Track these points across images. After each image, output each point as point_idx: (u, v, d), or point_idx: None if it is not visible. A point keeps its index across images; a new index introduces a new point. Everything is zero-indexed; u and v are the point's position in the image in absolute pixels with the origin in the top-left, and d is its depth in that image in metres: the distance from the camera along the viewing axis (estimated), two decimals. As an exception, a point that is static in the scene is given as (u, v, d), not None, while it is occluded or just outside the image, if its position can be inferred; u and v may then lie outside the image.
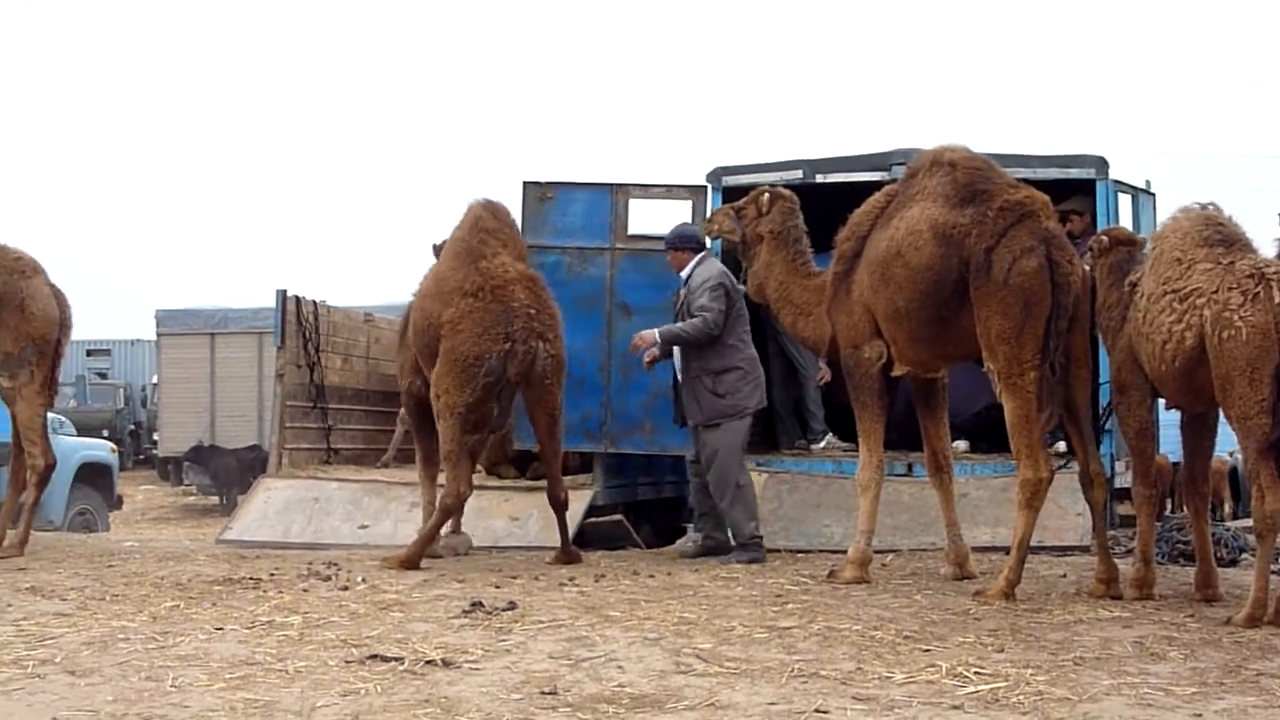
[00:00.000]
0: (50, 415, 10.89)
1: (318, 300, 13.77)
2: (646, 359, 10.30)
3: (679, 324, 10.30)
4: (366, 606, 7.90)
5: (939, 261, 8.37)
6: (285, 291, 13.18)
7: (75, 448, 16.55)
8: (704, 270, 10.36)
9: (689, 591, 8.54)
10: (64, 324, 10.39)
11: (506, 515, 11.18)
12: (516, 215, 10.59)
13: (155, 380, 33.33)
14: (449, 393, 9.55)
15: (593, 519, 11.37)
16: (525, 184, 11.66)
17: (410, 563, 9.34)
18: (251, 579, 8.86)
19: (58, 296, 10.38)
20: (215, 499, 28.18)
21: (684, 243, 10.54)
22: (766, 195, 9.82)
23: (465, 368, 9.49)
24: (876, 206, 9.00)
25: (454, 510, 9.73)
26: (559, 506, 9.94)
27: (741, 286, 10.25)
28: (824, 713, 5.58)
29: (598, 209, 11.62)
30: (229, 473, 26.98)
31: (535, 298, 9.58)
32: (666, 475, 12.73)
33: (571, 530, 10.84)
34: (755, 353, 10.48)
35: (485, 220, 9.89)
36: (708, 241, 10.70)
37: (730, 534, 10.33)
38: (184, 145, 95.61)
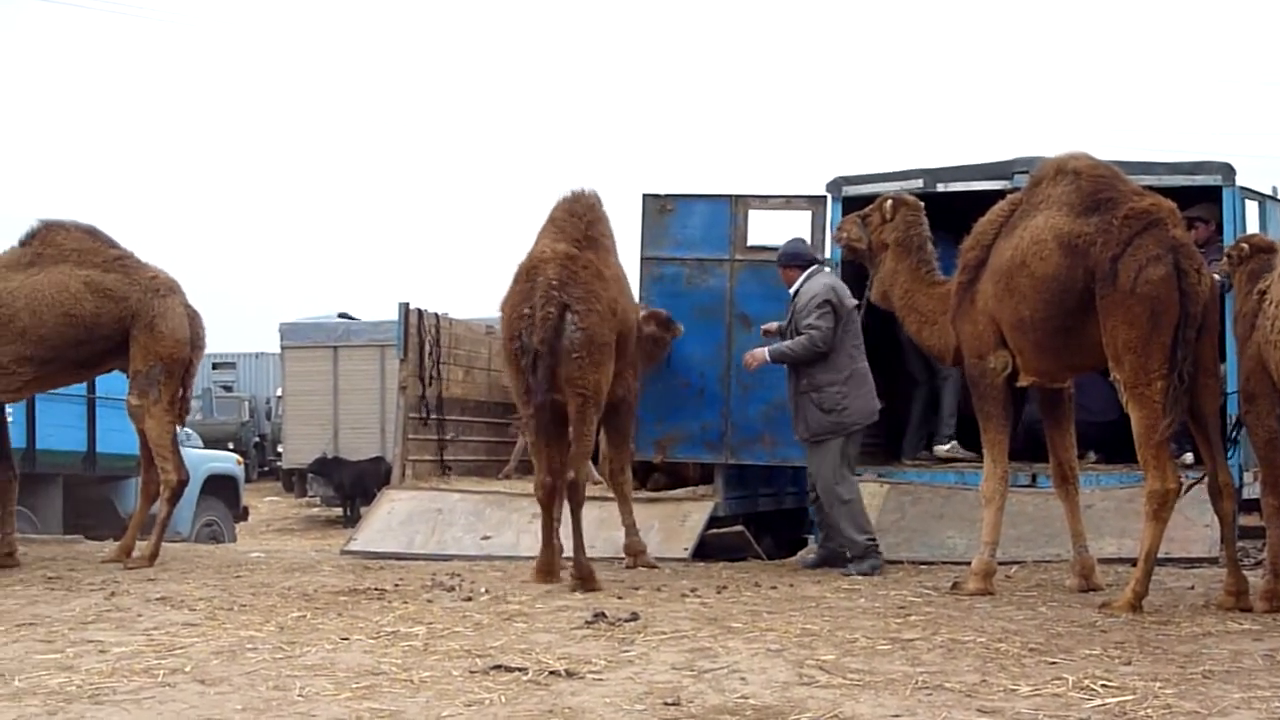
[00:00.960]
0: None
1: (440, 313, 13.87)
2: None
3: (787, 342, 10.32)
4: (490, 617, 7.94)
5: (1064, 271, 8.29)
6: (408, 305, 13.29)
7: (202, 460, 16.81)
8: (811, 286, 10.36)
9: (811, 603, 8.51)
10: (196, 344, 10.53)
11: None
12: (606, 216, 10.47)
13: (279, 393, 33.74)
14: (511, 384, 9.65)
15: (714, 530, 11.34)
16: (645, 196, 11.68)
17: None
18: (376, 589, 8.94)
19: (191, 317, 10.51)
20: (338, 510, 28.46)
21: (791, 260, 10.58)
22: (890, 202, 9.77)
23: (509, 353, 9.49)
24: (1000, 215, 8.93)
25: (545, 503, 9.57)
26: (574, 502, 9.49)
27: (851, 302, 10.27)
28: (949, 725, 5.54)
29: (717, 220, 11.61)
30: (352, 484, 27.23)
31: (565, 271, 9.34)
32: (787, 486, 12.70)
33: (693, 542, 10.84)
34: (865, 366, 10.43)
35: (554, 212, 9.90)
36: (828, 251, 10.66)
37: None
38: (308, 158, 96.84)
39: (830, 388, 10.21)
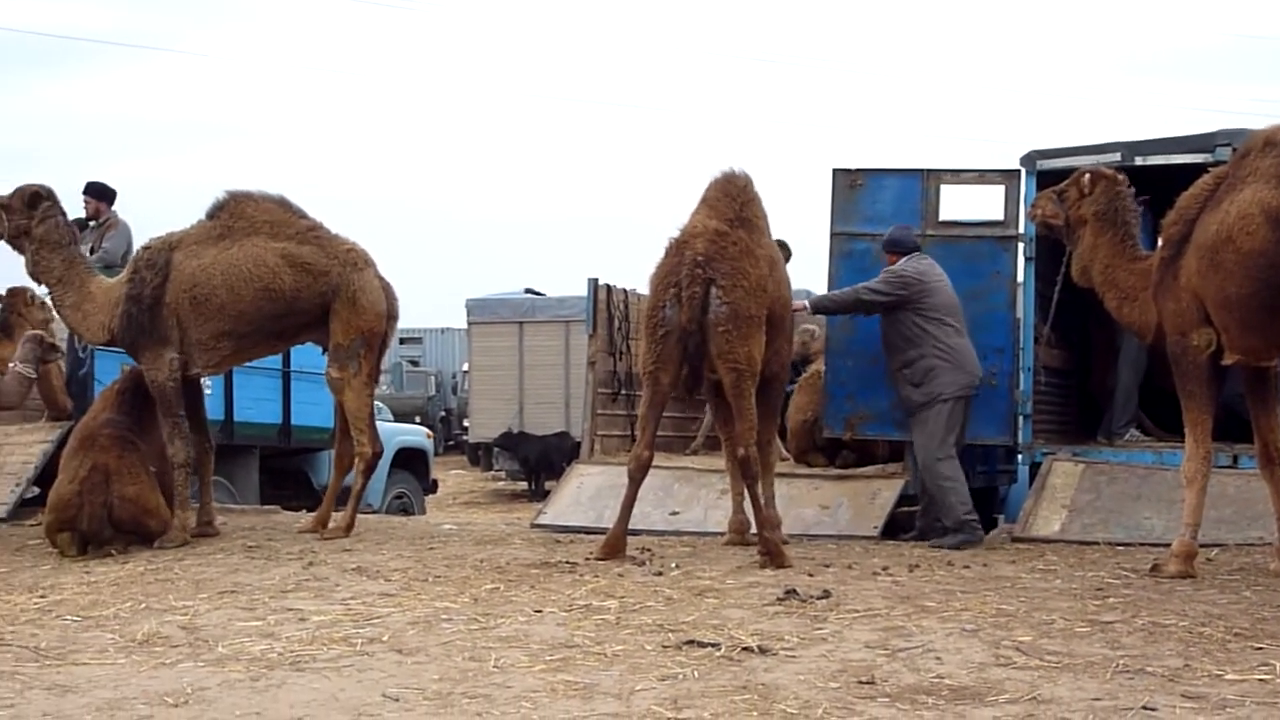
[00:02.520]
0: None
1: (628, 289, 13.90)
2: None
3: (833, 292, 10.93)
4: (681, 592, 7.95)
5: (1272, 246, 8.05)
6: (596, 280, 13.34)
7: (394, 433, 17.05)
8: (900, 265, 10.59)
9: (1006, 583, 8.38)
10: (391, 316, 10.61)
11: (816, 504, 11.11)
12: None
13: (465, 368, 34.12)
14: (643, 354, 9.65)
15: (904, 508, 11.23)
16: (835, 171, 11.57)
17: None
18: (568, 563, 9.00)
19: (386, 289, 10.57)
20: (524, 484, 28.73)
21: (894, 246, 10.76)
22: (1088, 176, 9.57)
23: (650, 325, 9.50)
24: (1205, 189, 8.68)
25: (635, 476, 9.57)
26: (746, 475, 9.46)
27: (941, 282, 10.46)
28: (1151, 710, 5.42)
29: (908, 195, 11.46)
30: (537, 459, 27.48)
31: (713, 247, 9.35)
32: (977, 465, 12.52)
33: (882, 520, 10.75)
34: (959, 342, 10.49)
35: (708, 191, 9.88)
36: (1021, 226, 10.50)
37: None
38: (497, 133, 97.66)
39: (920, 361, 10.41)
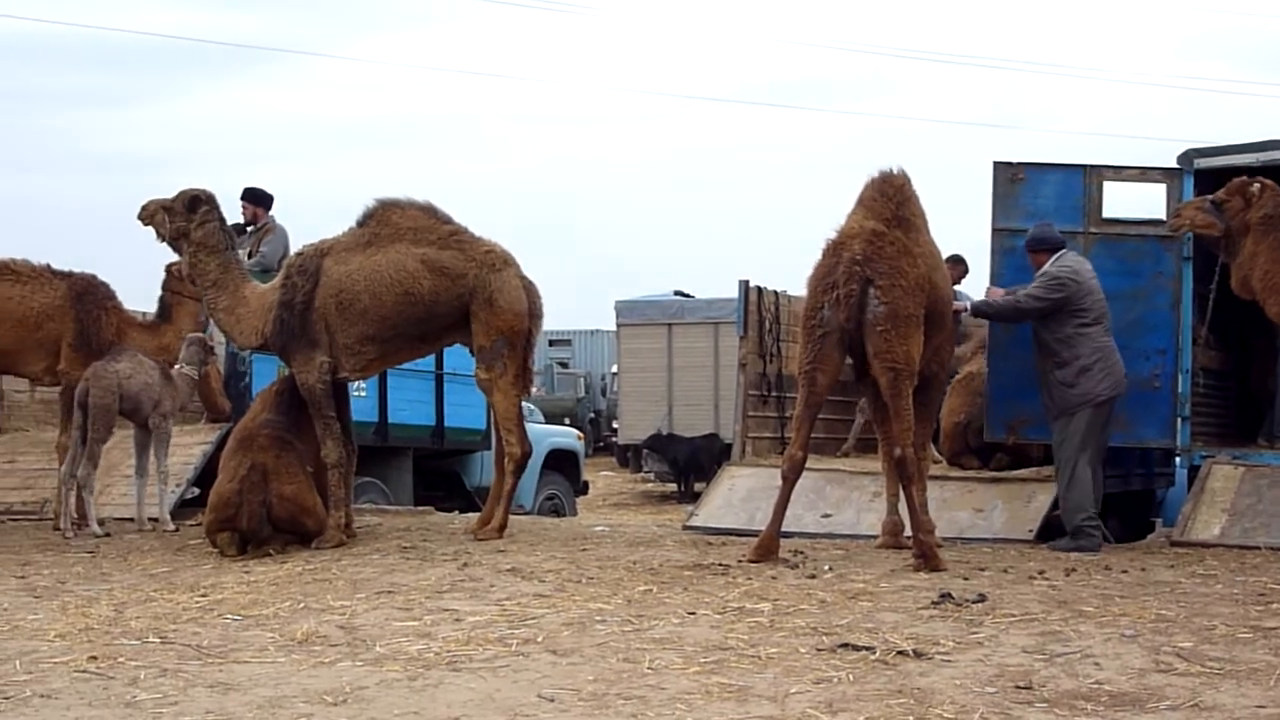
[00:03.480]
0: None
1: (779, 290, 13.87)
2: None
3: (996, 300, 10.62)
4: (835, 595, 7.91)
5: None
6: (748, 282, 13.32)
7: (545, 435, 17.14)
8: (1053, 267, 10.37)
9: (1165, 588, 8.25)
10: (534, 315, 10.68)
11: (970, 507, 11.00)
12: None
13: (615, 370, 34.24)
14: (800, 354, 9.67)
15: (1058, 512, 11.07)
16: (995, 164, 11.37)
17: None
18: (720, 565, 8.99)
19: (528, 289, 10.63)
20: (673, 486, 28.76)
21: (1039, 245, 10.58)
22: (1257, 185, 9.37)
23: (808, 326, 9.51)
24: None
25: (788, 477, 9.55)
26: (903, 476, 9.46)
27: (1093, 281, 10.22)
28: (1320, 719, 5.31)
29: (1070, 191, 11.24)
30: (686, 460, 27.48)
31: (870, 247, 9.36)
32: (1135, 468, 12.33)
33: (1037, 523, 10.62)
34: (1108, 343, 10.33)
35: (864, 192, 9.85)
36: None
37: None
38: (645, 134, 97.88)
39: (1075, 362, 10.25)
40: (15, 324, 11.82)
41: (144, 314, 12.50)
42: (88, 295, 11.90)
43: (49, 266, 12.08)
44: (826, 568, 8.89)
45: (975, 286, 13.52)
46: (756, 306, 13.42)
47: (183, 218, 10.52)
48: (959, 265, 14.73)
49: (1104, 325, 10.37)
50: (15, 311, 11.82)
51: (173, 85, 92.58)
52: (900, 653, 6.43)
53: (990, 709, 5.53)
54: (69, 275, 12.03)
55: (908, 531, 9.57)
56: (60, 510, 11.36)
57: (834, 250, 9.51)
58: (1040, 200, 11.23)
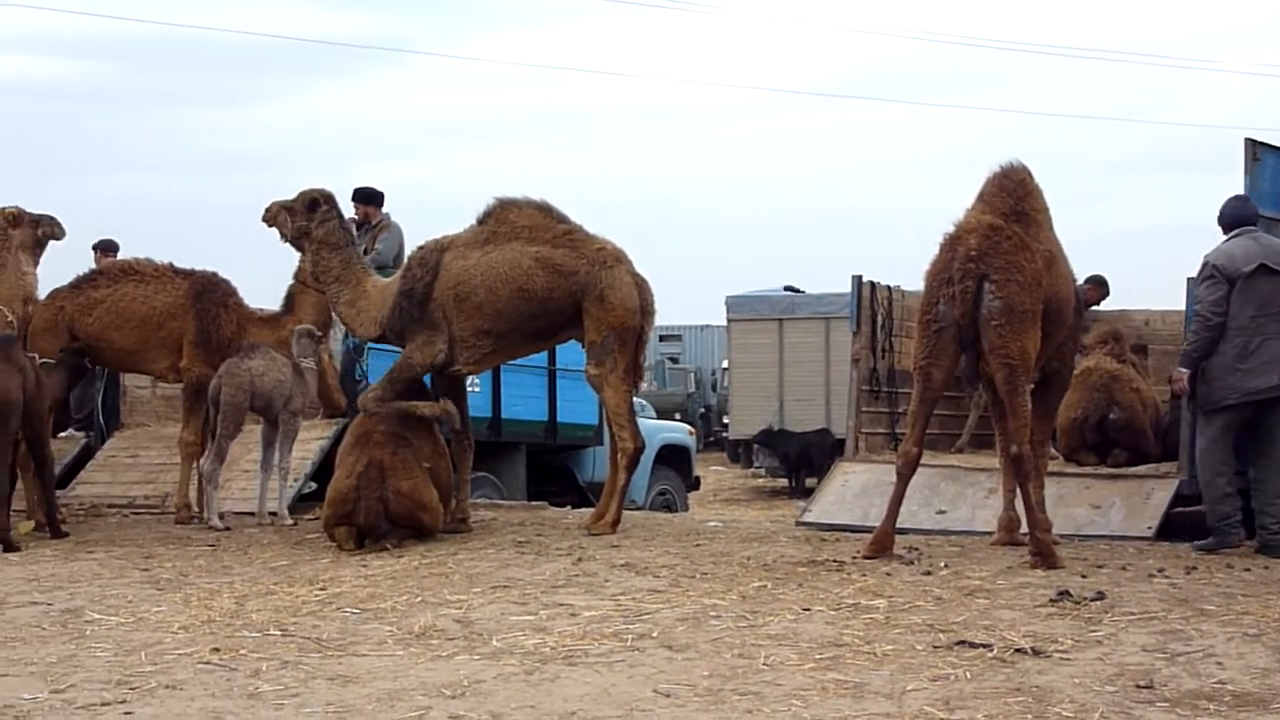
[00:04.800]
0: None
1: (891, 285, 13.81)
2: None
3: (1186, 344, 10.08)
4: (951, 592, 7.87)
5: None
6: (860, 277, 13.27)
7: (656, 430, 17.17)
8: (1210, 252, 9.98)
9: (1290, 586, 8.13)
10: (645, 311, 10.74)
11: (1087, 503, 10.87)
12: None
13: (725, 365, 34.22)
14: (915, 349, 9.60)
15: (1179, 509, 10.92)
16: (1246, 141, 10.93)
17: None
18: (834, 561, 8.96)
19: (640, 285, 10.70)
20: (784, 481, 28.70)
21: (1220, 220, 10.13)
22: None
23: (923, 321, 9.46)
24: None
25: (903, 473, 9.47)
26: (1020, 473, 9.33)
27: (1248, 266, 9.74)
28: None
29: None
30: (797, 456, 27.39)
31: (987, 242, 9.23)
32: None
33: (1157, 520, 10.48)
34: (1262, 337, 9.76)
35: (985, 187, 9.75)
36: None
37: None
38: (756, 129, 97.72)
39: (1221, 355, 9.81)
40: (139, 324, 12.08)
41: (261, 310, 12.61)
42: (207, 293, 12.11)
43: (171, 266, 12.31)
44: (942, 564, 8.84)
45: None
46: (870, 302, 13.36)
47: (304, 217, 10.75)
48: (1100, 287, 14.53)
49: (1261, 313, 9.82)
50: (139, 311, 12.08)
51: (289, 85, 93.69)
52: (1018, 650, 6.39)
53: (1111, 708, 5.48)
54: (190, 274, 12.25)
55: (1024, 528, 9.48)
56: (201, 502, 11.56)
57: (950, 245, 9.45)
58: (1269, 181, 10.72)
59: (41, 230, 12.06)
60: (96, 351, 12.29)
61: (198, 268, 12.35)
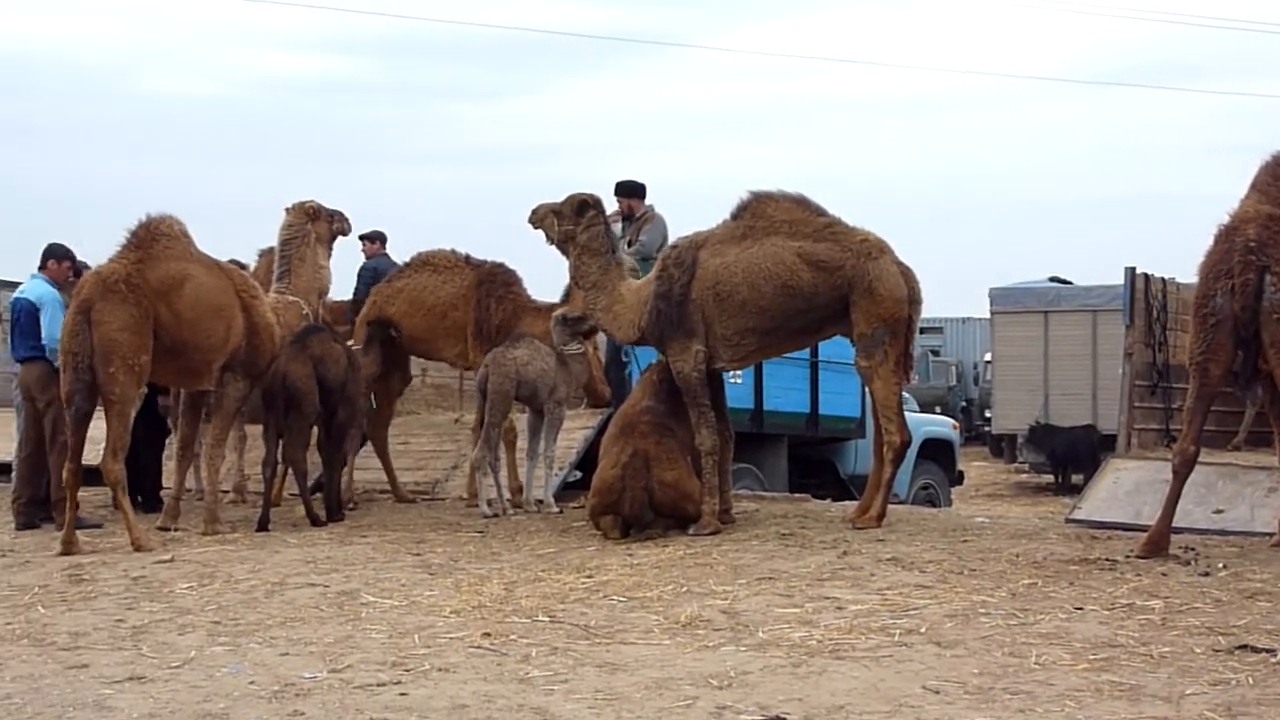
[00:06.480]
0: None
1: (1165, 278, 13.44)
2: None
3: None
4: (1230, 594, 7.64)
5: None
6: (1134, 269, 12.94)
7: (920, 424, 16.96)
8: None
9: None
10: (913, 301, 10.60)
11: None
12: None
13: (987, 358, 33.74)
14: (1191, 344, 9.29)
15: None
16: None
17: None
18: (1107, 560, 8.76)
19: (905, 274, 10.56)
20: (1049, 477, 28.20)
21: None
22: None
23: (1200, 315, 9.12)
24: None
25: (1180, 471, 9.16)
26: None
27: None
28: None
29: None
30: (1063, 452, 26.88)
31: (1265, 231, 8.90)
32: None
33: None
34: None
35: (1259, 175, 9.37)
36: None
37: None
38: (1020, 118, 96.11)
39: None
40: (426, 312, 12.59)
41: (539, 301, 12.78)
42: (486, 283, 12.41)
43: (467, 257, 12.70)
44: (1220, 565, 8.57)
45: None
46: (1143, 294, 13.03)
47: (570, 221, 10.83)
48: None
49: None
50: (427, 300, 12.59)
51: (554, 79, 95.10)
52: (1305, 657, 6.18)
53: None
54: (479, 265, 12.57)
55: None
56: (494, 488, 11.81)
57: (1226, 236, 9.14)
58: None
59: (335, 226, 12.44)
60: (399, 338, 12.78)
61: (489, 259, 12.70)
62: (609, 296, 10.87)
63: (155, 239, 10.68)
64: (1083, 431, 26.55)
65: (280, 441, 11.22)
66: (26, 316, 11.56)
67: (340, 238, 12.64)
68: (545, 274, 13.19)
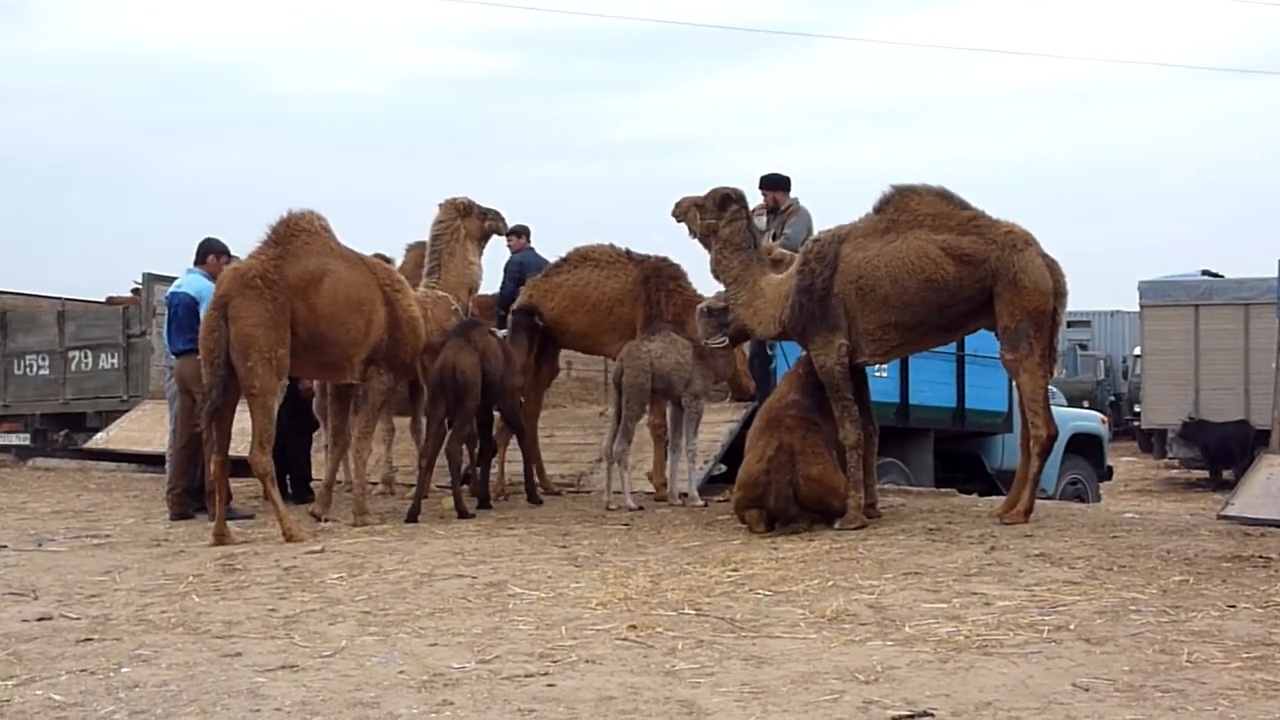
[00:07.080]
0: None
1: (1321, 269, 13.19)
2: None
3: None
4: (1385, 596, 7.47)
5: None
6: (1289, 261, 12.74)
7: (1067, 418, 16.77)
8: None
9: None
10: (1059, 293, 10.46)
11: None
12: None
13: (1136, 352, 33.27)
14: None
15: None
16: None
17: None
18: (1261, 557, 8.60)
19: (1051, 267, 10.42)
20: (1199, 473, 27.77)
21: None
22: None
23: None
24: None
25: None
26: None
27: None
28: None
29: None
30: (1216, 448, 26.47)
31: None
32: None
33: None
34: None
35: None
36: None
37: None
38: (1163, 110, 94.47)
39: None
40: (590, 308, 12.74)
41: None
42: (652, 278, 12.48)
43: (628, 252, 12.78)
44: (1384, 565, 8.40)
45: None
46: (1298, 285, 12.80)
47: (713, 215, 10.84)
48: None
49: None
50: (590, 296, 12.72)
51: (695, 71, 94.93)
52: None
53: None
54: (643, 260, 12.65)
55: None
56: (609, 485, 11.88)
57: None
58: None
59: (488, 224, 12.55)
60: (557, 334, 12.90)
61: (651, 254, 12.78)
62: (749, 292, 10.86)
63: (294, 235, 10.81)
64: (1236, 426, 26.12)
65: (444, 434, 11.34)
66: (185, 310, 11.82)
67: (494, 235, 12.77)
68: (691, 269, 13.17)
